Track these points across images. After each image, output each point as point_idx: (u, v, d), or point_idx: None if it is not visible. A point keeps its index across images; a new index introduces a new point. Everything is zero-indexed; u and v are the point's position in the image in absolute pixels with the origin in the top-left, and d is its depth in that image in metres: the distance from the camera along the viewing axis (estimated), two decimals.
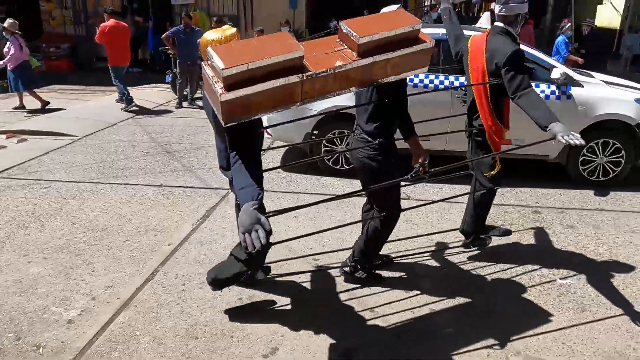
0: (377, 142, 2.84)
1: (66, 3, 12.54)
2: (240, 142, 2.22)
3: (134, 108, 8.30)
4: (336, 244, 3.70)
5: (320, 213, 4.22)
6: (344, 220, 4.09)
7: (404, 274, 3.36)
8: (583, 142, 2.54)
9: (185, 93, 8.94)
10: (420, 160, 2.90)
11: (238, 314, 2.89)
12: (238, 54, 2.00)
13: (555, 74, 4.65)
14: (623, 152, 4.85)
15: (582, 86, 4.77)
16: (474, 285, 3.26)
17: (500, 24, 3.16)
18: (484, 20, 7.52)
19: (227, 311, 2.90)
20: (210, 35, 2.45)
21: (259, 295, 3.06)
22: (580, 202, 4.68)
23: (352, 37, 2.23)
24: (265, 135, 5.44)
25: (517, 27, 3.15)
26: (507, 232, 3.71)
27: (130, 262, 3.44)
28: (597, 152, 4.87)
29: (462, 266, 3.48)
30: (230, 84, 1.98)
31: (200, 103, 9.12)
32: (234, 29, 2.44)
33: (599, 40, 15.62)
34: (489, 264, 3.50)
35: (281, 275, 3.29)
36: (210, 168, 5.43)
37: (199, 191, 4.80)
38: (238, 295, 3.05)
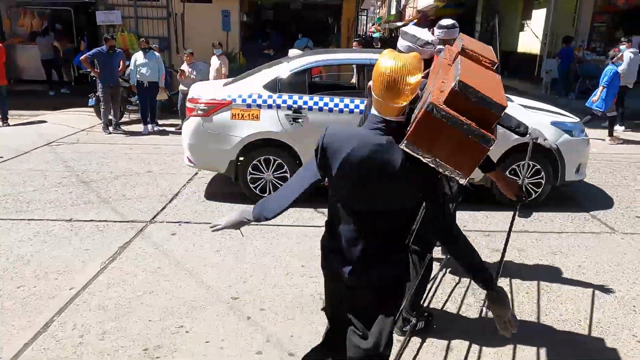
0: None
1: None
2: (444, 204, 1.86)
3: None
4: (258, 280, 3.49)
5: (244, 245, 3.99)
6: (269, 252, 3.88)
7: None
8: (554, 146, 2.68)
9: (110, 117, 8.45)
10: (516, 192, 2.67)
11: None
12: (486, 87, 1.62)
13: None
14: (543, 173, 5.00)
15: None
16: None
17: (442, 47, 3.31)
18: None
19: None
20: (395, 62, 1.62)
21: (166, 345, 2.77)
22: (505, 224, 4.70)
23: (485, 62, 2.01)
24: (187, 163, 5.18)
25: None
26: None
27: (22, 312, 3.04)
28: (519, 174, 4.99)
29: None
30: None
31: (125, 128, 8.66)
32: (414, 52, 1.88)
33: (522, 65, 16.65)
34: None
35: None
36: (129, 199, 5.06)
37: (113, 225, 4.42)
38: (143, 345, 2.75)
